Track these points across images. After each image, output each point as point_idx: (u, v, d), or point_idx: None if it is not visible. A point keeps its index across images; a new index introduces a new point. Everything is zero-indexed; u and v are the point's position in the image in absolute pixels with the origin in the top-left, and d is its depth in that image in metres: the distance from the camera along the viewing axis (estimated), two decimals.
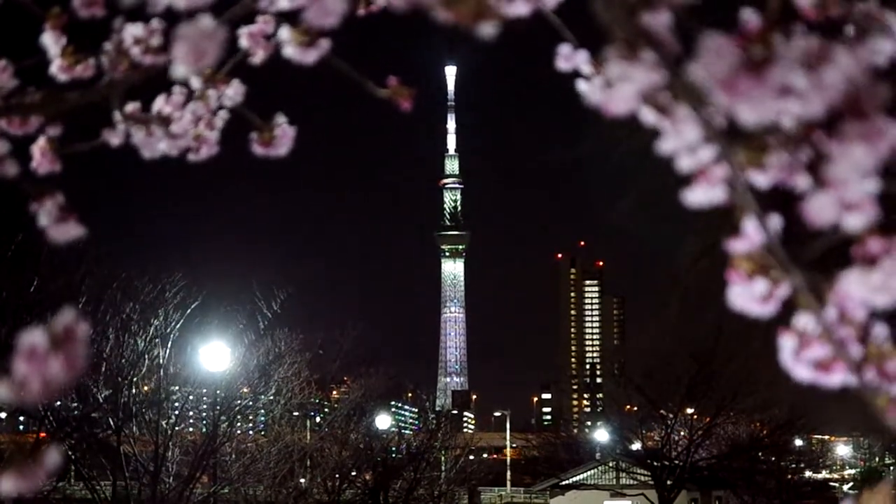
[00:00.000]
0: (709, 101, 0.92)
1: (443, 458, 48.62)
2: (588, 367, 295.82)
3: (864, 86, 0.90)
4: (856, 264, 0.94)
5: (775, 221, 0.96)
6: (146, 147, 1.66)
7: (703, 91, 0.91)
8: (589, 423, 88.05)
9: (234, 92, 1.73)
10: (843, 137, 0.91)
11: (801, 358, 0.98)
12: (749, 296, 0.99)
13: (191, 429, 35.90)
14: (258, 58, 1.69)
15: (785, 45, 0.88)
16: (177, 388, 33.09)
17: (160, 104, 1.69)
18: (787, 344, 0.99)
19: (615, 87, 0.94)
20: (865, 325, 0.96)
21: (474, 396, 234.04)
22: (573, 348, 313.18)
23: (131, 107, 1.65)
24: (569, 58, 1.65)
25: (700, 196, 0.99)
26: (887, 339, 0.97)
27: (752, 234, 0.97)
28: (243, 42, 1.69)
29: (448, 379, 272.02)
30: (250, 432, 40.01)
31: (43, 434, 29.40)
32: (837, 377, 0.98)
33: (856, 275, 0.94)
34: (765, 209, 0.95)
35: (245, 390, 35.30)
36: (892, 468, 79.18)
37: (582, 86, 1.66)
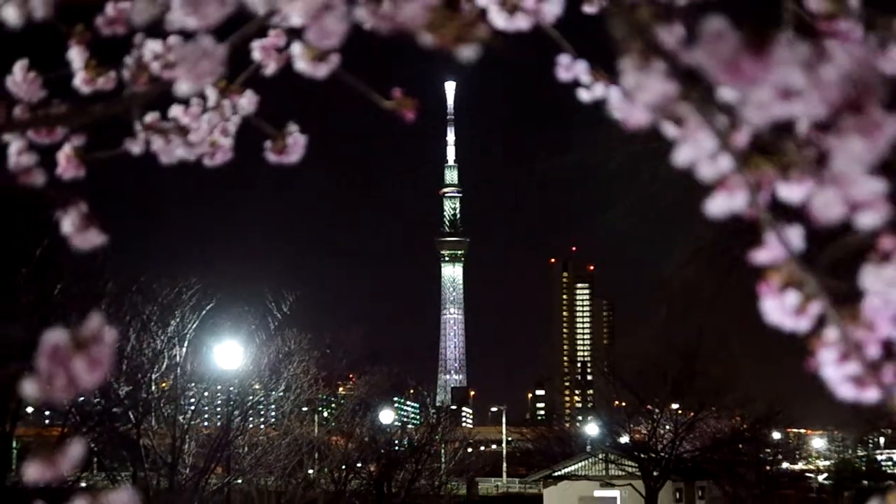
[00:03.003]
0: (722, 112, 0.90)
1: (443, 451, 48.59)
2: (579, 365, 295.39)
3: (862, 81, 0.87)
4: (870, 261, 0.91)
5: (797, 233, 0.93)
6: (165, 153, 1.66)
7: (715, 101, 0.89)
8: (580, 417, 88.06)
9: (247, 102, 1.73)
10: (841, 132, 0.88)
11: (841, 373, 0.94)
12: (781, 309, 0.94)
13: (206, 423, 35.91)
14: (270, 69, 1.68)
15: (786, 46, 0.86)
16: (193, 384, 33.09)
17: (178, 114, 1.68)
18: (827, 358, 0.94)
19: (634, 98, 0.92)
20: (886, 329, 0.92)
21: (472, 393, 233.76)
22: (565, 348, 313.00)
23: (150, 117, 1.64)
24: (568, 68, 1.64)
25: (721, 205, 0.94)
26: None
27: (774, 246, 0.93)
28: (256, 55, 1.68)
29: (448, 376, 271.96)
30: (262, 426, 39.98)
31: (67, 428, 29.38)
32: (873, 392, 0.93)
33: (871, 271, 0.91)
34: (786, 219, 0.92)
35: (257, 387, 35.30)
36: (864, 460, 79.08)
37: (591, 93, 1.66)
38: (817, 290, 0.93)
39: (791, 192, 0.91)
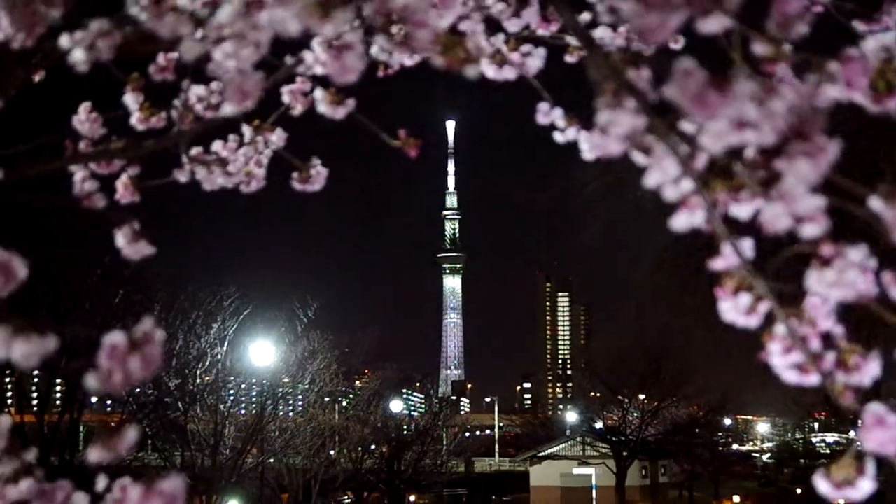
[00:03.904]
0: (683, 141, 0.90)
1: (444, 435, 48.50)
2: (560, 361, 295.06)
3: (807, 113, 0.88)
4: (813, 266, 0.92)
5: (748, 245, 0.93)
6: (207, 182, 1.66)
7: (678, 133, 0.90)
8: (561, 406, 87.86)
9: (277, 138, 1.73)
10: (789, 156, 0.89)
11: (786, 362, 0.94)
12: (735, 309, 0.95)
13: (243, 411, 35.82)
14: (297, 111, 1.69)
15: (741, 83, 0.87)
16: (232, 378, 33.06)
17: (218, 148, 1.68)
18: (774, 350, 0.95)
19: (608, 132, 0.92)
20: (825, 324, 0.93)
21: (469, 385, 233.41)
22: (548, 347, 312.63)
23: (195, 151, 1.64)
24: (546, 114, 1.65)
25: (683, 221, 0.95)
26: (844, 337, 0.94)
27: (729, 255, 0.94)
28: (285, 98, 1.68)
29: (448, 371, 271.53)
30: (290, 414, 39.91)
31: (125, 415, 29.34)
32: (815, 378, 0.94)
33: (814, 274, 0.91)
34: (738, 232, 0.92)
35: (286, 380, 35.27)
36: (801, 442, 78.91)
37: (565, 136, 1.67)
38: (766, 292, 0.93)
39: (742, 209, 0.92)
